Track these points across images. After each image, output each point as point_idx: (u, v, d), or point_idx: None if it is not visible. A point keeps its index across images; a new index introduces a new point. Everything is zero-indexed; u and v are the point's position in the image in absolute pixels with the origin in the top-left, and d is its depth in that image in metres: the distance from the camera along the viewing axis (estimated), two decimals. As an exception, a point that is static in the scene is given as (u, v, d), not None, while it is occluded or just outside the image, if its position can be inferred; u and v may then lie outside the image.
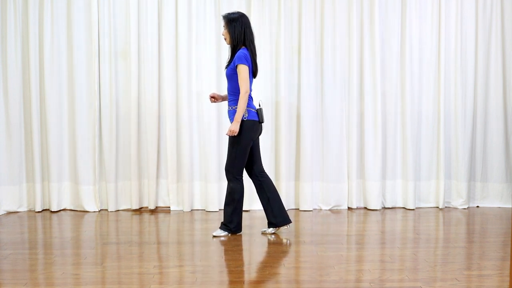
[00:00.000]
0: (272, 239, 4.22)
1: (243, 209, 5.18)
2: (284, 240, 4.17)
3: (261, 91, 5.21)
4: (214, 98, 4.40)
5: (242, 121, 4.14)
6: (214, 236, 4.27)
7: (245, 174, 4.40)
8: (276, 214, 4.32)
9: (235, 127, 4.09)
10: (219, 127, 5.26)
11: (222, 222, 4.35)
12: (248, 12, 5.21)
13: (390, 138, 5.37)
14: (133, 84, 5.19)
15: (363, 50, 5.30)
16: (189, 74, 5.24)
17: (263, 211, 4.50)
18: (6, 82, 5.15)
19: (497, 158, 5.42)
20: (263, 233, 4.38)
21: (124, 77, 5.24)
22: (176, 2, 5.21)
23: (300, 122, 5.28)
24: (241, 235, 4.33)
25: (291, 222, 4.44)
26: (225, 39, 4.26)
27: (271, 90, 5.27)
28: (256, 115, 4.21)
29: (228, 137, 4.33)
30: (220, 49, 5.24)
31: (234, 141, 4.18)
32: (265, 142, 5.22)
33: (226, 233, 4.31)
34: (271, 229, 4.37)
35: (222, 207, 5.27)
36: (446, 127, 5.39)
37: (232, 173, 4.22)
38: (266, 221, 4.58)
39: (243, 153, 4.20)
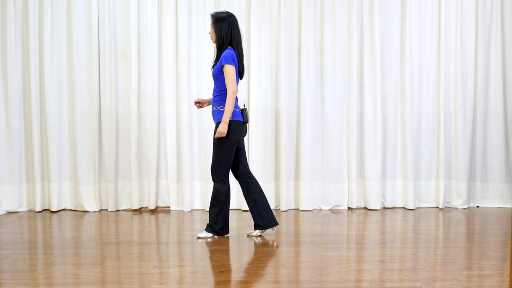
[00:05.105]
0: (258, 241, 4.16)
1: (239, 208, 5.21)
2: (271, 242, 4.13)
3: (261, 91, 5.21)
4: (200, 103, 4.31)
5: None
6: (199, 238, 4.20)
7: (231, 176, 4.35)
8: (263, 216, 4.22)
9: (223, 129, 3.99)
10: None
11: (207, 224, 4.26)
12: (248, 12, 5.21)
13: (390, 138, 5.37)
14: (133, 84, 5.19)
15: (363, 50, 5.30)
16: (189, 74, 5.25)
17: (250, 212, 4.39)
18: (6, 82, 5.15)
19: (497, 158, 5.42)
20: (249, 236, 4.29)
21: (124, 77, 5.24)
22: (176, 2, 5.21)
23: (300, 122, 5.28)
24: (229, 236, 4.33)
25: (278, 224, 4.33)
26: (211, 37, 4.19)
27: (271, 90, 5.26)
28: (240, 115, 4.12)
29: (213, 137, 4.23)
30: (220, 49, 5.25)
31: (219, 142, 4.07)
32: (265, 142, 5.23)
33: (211, 234, 4.22)
34: (257, 231, 4.27)
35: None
36: (446, 127, 5.38)
37: (217, 174, 4.12)
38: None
39: (228, 154, 4.11)
